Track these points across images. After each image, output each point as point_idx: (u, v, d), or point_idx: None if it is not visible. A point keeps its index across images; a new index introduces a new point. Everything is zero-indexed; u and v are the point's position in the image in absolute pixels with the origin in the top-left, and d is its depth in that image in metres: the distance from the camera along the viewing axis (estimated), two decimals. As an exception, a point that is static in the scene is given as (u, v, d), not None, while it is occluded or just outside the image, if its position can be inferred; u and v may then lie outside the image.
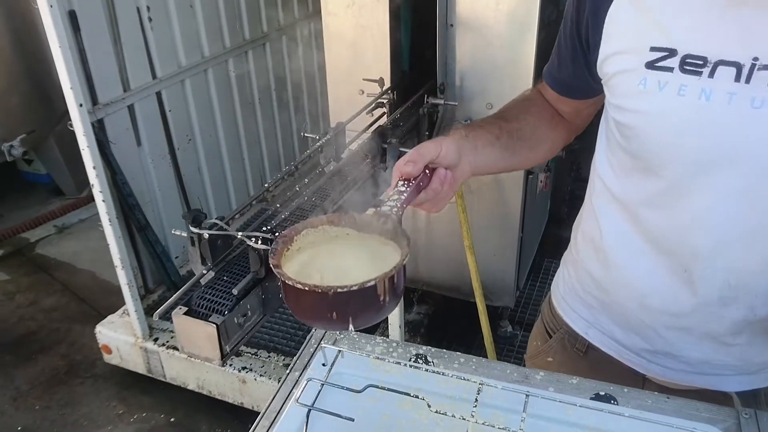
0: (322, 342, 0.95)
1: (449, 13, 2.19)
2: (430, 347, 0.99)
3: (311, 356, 0.95)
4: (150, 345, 2.57)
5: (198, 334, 1.31)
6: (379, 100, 2.16)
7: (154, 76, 2.76)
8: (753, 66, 0.73)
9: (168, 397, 2.67)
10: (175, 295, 1.34)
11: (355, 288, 0.66)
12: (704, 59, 0.76)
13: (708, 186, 0.81)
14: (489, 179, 2.35)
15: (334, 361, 0.88)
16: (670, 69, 0.79)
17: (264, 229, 1.38)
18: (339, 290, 0.66)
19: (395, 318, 2.11)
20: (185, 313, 1.31)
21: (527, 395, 0.78)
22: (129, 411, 2.65)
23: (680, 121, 0.79)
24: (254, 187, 3.43)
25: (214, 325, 1.27)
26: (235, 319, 1.31)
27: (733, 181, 0.78)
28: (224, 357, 1.32)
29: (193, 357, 2.06)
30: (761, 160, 0.76)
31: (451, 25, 2.20)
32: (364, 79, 2.23)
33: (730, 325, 0.91)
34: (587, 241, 1.04)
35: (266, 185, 1.59)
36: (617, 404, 0.86)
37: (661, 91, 0.80)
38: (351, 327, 0.70)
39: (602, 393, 0.88)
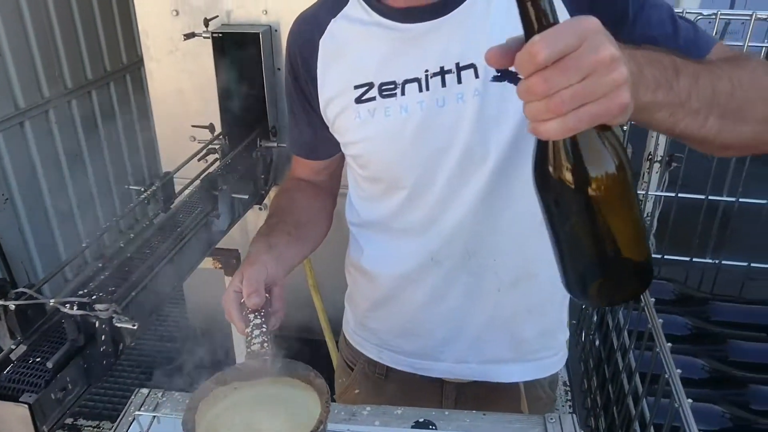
0: (139, 408, 0.90)
1: (275, 58, 2.22)
2: (257, 398, 0.98)
3: (129, 426, 0.89)
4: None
5: (9, 417, 1.18)
6: (211, 147, 2.13)
7: (-43, 132, 2.50)
8: (426, 76, 0.91)
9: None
10: (-24, 378, 1.21)
11: None
12: (394, 83, 0.93)
13: (437, 180, 0.96)
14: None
15: (148, 429, 0.84)
16: (374, 98, 0.94)
17: (80, 293, 1.29)
18: None
19: (244, 367, 2.05)
20: (-9, 396, 1.18)
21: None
22: None
23: (394, 135, 0.94)
24: (90, 250, 3.19)
25: (26, 405, 1.16)
26: (53, 394, 1.20)
27: (451, 168, 0.94)
28: (41, 439, 1.20)
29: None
30: (460, 143, 0.92)
31: (279, 69, 2.23)
32: (193, 126, 2.18)
33: (487, 295, 1.04)
34: (357, 270, 1.14)
35: (84, 245, 1.49)
36: (435, 429, 0.90)
37: (373, 118, 0.95)
38: None
39: (421, 420, 0.91)
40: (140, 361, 2.68)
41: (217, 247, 1.87)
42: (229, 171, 1.93)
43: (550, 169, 0.56)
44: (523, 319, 1.07)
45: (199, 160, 2.07)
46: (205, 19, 2.11)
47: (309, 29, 1.00)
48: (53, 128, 3.00)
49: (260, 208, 2.43)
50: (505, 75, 0.60)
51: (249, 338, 0.83)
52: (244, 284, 0.89)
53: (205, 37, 2.12)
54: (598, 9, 0.69)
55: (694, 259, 1.78)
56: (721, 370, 1.40)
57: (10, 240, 2.77)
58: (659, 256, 1.76)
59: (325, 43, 0.98)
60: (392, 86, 0.93)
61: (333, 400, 0.85)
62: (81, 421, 2.33)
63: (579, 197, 0.56)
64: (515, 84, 0.56)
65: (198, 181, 1.81)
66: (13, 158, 2.76)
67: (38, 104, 2.88)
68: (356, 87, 0.95)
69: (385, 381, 1.18)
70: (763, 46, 1.66)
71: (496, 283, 1.03)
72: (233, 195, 1.88)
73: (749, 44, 1.58)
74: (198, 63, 2.22)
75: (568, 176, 0.55)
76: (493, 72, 0.80)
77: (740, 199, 1.74)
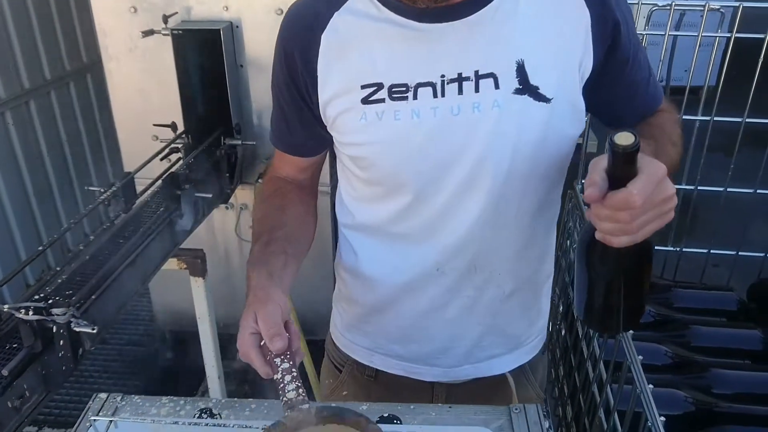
0: (97, 413, 0.88)
1: (238, 55, 2.19)
2: (221, 399, 0.96)
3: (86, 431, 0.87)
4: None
5: (-37, 428, 1.14)
6: (174, 145, 2.10)
7: None
8: (442, 82, 0.86)
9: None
10: (-73, 389, 1.17)
11: None
12: (406, 85, 0.87)
13: (443, 189, 0.92)
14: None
15: (105, 434, 0.82)
16: (383, 100, 0.88)
17: (36, 297, 1.26)
18: None
19: (213, 370, 2.03)
20: (-56, 407, 1.14)
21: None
22: None
23: (403, 141, 0.89)
24: (53, 252, 3.12)
25: (-19, 415, 1.12)
26: (9, 403, 1.17)
27: (460, 179, 0.91)
28: (-2, 449, 1.17)
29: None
30: (473, 154, 0.89)
31: (241, 66, 2.21)
32: (155, 125, 2.14)
33: (489, 306, 1.03)
34: (350, 273, 1.10)
35: (40, 248, 1.45)
36: (401, 423, 0.90)
37: (381, 120, 0.89)
38: None
39: (386, 414, 0.91)
40: (107, 366, 2.63)
41: (181, 247, 1.84)
42: (192, 170, 1.91)
43: (603, 249, 0.75)
44: (517, 320, 1.07)
45: (161, 159, 2.04)
46: (164, 15, 2.08)
47: (307, 23, 0.91)
48: (10, 129, 2.92)
49: (227, 207, 2.40)
50: (526, 90, 0.76)
51: (281, 385, 0.78)
52: (262, 327, 0.82)
53: (164, 35, 2.08)
54: (615, 51, 0.90)
55: (656, 247, 1.81)
56: (684, 356, 1.42)
57: (-32, 246, 2.70)
58: (622, 245, 1.79)
59: (327, 38, 0.90)
60: (404, 89, 0.87)
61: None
62: (46, 429, 2.28)
63: (619, 272, 0.79)
64: (535, 99, 0.86)
65: (160, 181, 1.78)
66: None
67: (-6, 105, 2.80)
68: (363, 87, 0.89)
69: (374, 382, 1.14)
70: (717, 36, 1.69)
71: (499, 295, 1.01)
72: (197, 194, 1.86)
73: (703, 34, 1.61)
74: (158, 61, 2.19)
75: (617, 258, 0.76)
76: (515, 85, 0.86)
77: (699, 187, 1.77)
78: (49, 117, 3.17)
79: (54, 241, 1.47)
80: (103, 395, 0.96)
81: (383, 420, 0.90)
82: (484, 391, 1.11)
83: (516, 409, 0.96)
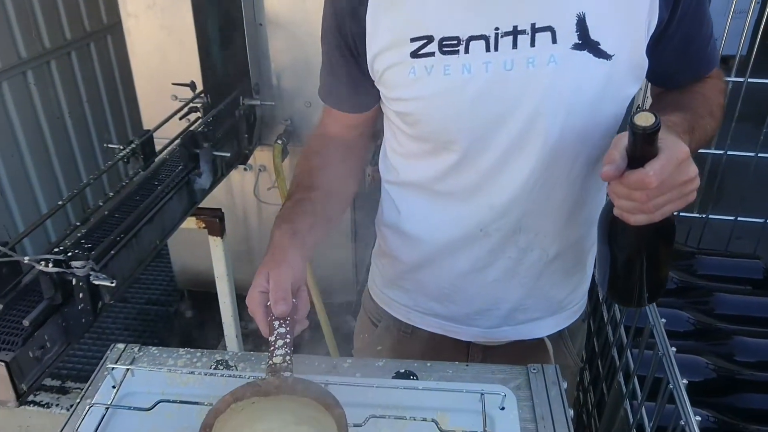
0: (115, 362, 0.88)
1: (257, 13, 2.16)
2: (236, 352, 0.96)
3: (103, 380, 0.88)
4: (-44, 397, 2.27)
5: (-14, 376, 1.16)
6: (192, 105, 2.08)
7: (-68, 93, 2.43)
8: (496, 35, 0.82)
9: (-13, 452, 2.38)
10: (-49, 337, 1.19)
11: None
12: (457, 38, 0.83)
13: (492, 148, 0.89)
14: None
15: (122, 382, 0.82)
16: (432, 54, 0.85)
17: (56, 250, 1.27)
18: None
19: (231, 329, 2.05)
20: (-33, 355, 1.16)
21: (326, 384, 0.78)
22: (-61, 476, 2.33)
23: (453, 97, 0.86)
24: (74, 209, 3.15)
25: (3, 364, 1.14)
26: (31, 353, 1.19)
27: (511, 138, 0.87)
28: (21, 396, 1.19)
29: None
30: (525, 112, 0.85)
31: (261, 24, 2.17)
32: (173, 84, 2.12)
33: (532, 268, 1.01)
34: (391, 230, 1.08)
35: (60, 203, 1.46)
36: (417, 379, 0.89)
37: (429, 75, 0.86)
38: None
39: (402, 371, 0.90)
40: (127, 324, 2.68)
41: (200, 206, 1.83)
42: (211, 129, 1.89)
43: (622, 225, 0.76)
44: (560, 283, 1.05)
45: (180, 118, 2.03)
46: (183, -29, 2.04)
47: None
48: (31, 89, 2.92)
49: (245, 169, 2.40)
50: (586, 45, 0.74)
51: (271, 348, 0.78)
52: (271, 288, 0.82)
53: (183, -8, 2.05)
54: (679, 4, 0.84)
55: (681, 214, 1.76)
56: (706, 323, 1.40)
57: (-9, 203, 2.73)
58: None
59: None
60: (455, 42, 0.84)
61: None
62: (69, 383, 2.33)
63: (638, 248, 0.81)
64: (595, 56, 0.82)
65: (179, 140, 1.77)
66: (-9, 120, 2.70)
67: (15, 65, 2.80)
68: (413, 40, 0.85)
69: (410, 339, 1.13)
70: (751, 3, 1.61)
71: (543, 258, 0.99)
72: (215, 153, 1.85)
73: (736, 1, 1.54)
74: (178, 19, 2.15)
75: (636, 235, 0.78)
76: (574, 39, 0.83)
77: (728, 152, 1.72)
78: (69, 77, 3.17)
79: (74, 196, 1.48)
80: (121, 346, 0.97)
81: (399, 375, 0.89)
82: (520, 355, 1.08)
83: (534, 369, 0.94)
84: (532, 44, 0.82)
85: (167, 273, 2.90)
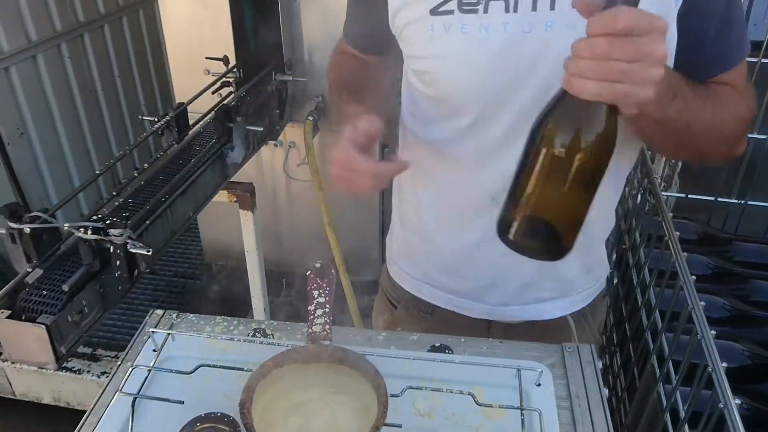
0: (154, 326, 0.90)
1: (291, -13, 2.14)
2: (272, 321, 0.97)
3: (144, 344, 0.89)
4: (-8, 361, 2.34)
5: (27, 338, 1.19)
6: (225, 79, 2.09)
7: (-30, 64, 2.48)
8: None
9: (21, 415, 2.45)
10: (-7, 299, 1.22)
11: None
12: None
13: (507, 112, 0.88)
14: (345, 154, 2.35)
15: (163, 345, 0.84)
16: (451, 12, 0.84)
17: (94, 217, 1.29)
18: None
19: (259, 302, 2.07)
20: (9, 317, 1.19)
21: (363, 354, 0.79)
22: (-25, 436, 2.41)
23: (469, 56, 0.85)
24: (105, 182, 3.20)
25: (44, 326, 1.17)
26: (69, 317, 1.22)
27: (525, 103, 0.86)
28: (59, 359, 1.22)
29: (24, 364, 1.90)
30: (540, 76, 0.84)
31: (295, 0, 2.16)
32: (207, 58, 2.13)
33: None
34: (403, 196, 1.08)
35: (97, 172, 1.48)
36: (452, 353, 0.89)
37: (448, 33, 0.85)
38: None
39: (438, 344, 0.90)
40: (156, 295, 2.72)
41: (232, 180, 1.85)
42: (243, 103, 1.90)
43: (558, 119, 0.63)
44: (573, 264, 1.03)
45: (213, 92, 2.04)
46: (219, -56, 2.04)
47: None
48: (65, 61, 2.96)
49: (275, 145, 2.40)
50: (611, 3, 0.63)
51: (311, 317, 0.79)
52: (361, 122, 0.81)
53: (218, -35, 2.05)
54: None
55: (719, 199, 1.73)
56: (743, 309, 1.37)
57: (26, 174, 2.78)
58: (683, 195, 1.71)
59: None
60: (474, 1, 0.83)
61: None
62: (99, 351, 2.38)
63: (563, 154, 0.63)
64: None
65: (212, 113, 1.78)
66: (27, 92, 2.74)
67: (50, 37, 2.83)
68: None
69: (429, 319, 1.13)
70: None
71: None
72: (248, 127, 1.85)
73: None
74: (212, -8, 2.16)
75: (568, 132, 0.63)
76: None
77: (770, 139, 1.67)
78: (102, 51, 3.20)
79: (110, 167, 1.50)
80: (159, 312, 0.98)
81: (435, 349, 0.89)
82: (542, 335, 1.08)
83: (569, 347, 0.94)
84: (552, 7, 0.81)
85: (195, 246, 2.93)
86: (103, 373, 2.29)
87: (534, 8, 0.81)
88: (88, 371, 2.31)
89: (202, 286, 2.77)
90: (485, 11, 0.83)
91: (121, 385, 0.78)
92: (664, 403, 1.07)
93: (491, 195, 0.95)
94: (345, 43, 1.10)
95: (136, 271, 1.31)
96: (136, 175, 1.53)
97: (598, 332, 1.17)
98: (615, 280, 1.57)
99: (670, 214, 1.20)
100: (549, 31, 0.81)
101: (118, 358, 2.38)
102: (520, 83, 0.85)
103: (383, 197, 2.43)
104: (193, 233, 2.86)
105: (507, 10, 0.82)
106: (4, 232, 1.27)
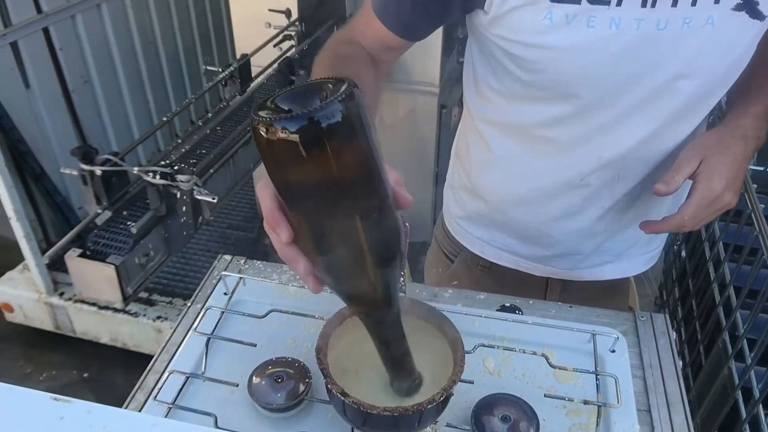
0: (223, 271, 0.90)
1: (356, -61, 2.10)
2: (339, 272, 0.96)
3: (213, 287, 0.90)
4: (55, 300, 2.43)
5: (96, 277, 1.23)
6: (287, 33, 2.07)
7: (39, 10, 2.51)
8: None
9: (79, 353, 2.55)
10: (66, 237, 1.26)
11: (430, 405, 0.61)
12: None
13: (617, 105, 0.82)
14: (404, 113, 2.32)
15: (235, 289, 0.84)
16: (578, 1, 0.75)
17: (162, 163, 1.30)
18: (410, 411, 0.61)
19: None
20: (80, 255, 1.23)
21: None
22: (38, 369, 2.52)
23: (591, 53, 0.77)
24: (162, 132, 3.25)
25: (113, 266, 1.20)
26: (136, 259, 1.25)
27: (642, 97, 0.81)
28: (126, 299, 1.26)
29: (93, 301, 1.97)
30: (666, 74, 0.78)
31: (359, -48, 2.11)
32: (269, 10, 2.11)
33: (619, 214, 0.97)
34: (477, 166, 1.03)
35: (165, 118, 1.49)
36: (521, 314, 0.87)
37: (569, 25, 0.76)
38: None
39: (507, 305, 0.88)
40: (209, 246, 2.77)
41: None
42: (306, 56, 1.88)
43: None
44: (637, 229, 0.99)
45: (275, 45, 2.03)
46: None
47: None
48: (129, 14, 2.98)
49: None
50: (746, 5, 0.63)
51: None
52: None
53: None
54: None
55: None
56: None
57: (89, 121, 2.85)
58: (761, 169, 1.63)
59: None
60: None
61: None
62: (155, 296, 2.45)
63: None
64: (751, 17, 0.74)
65: (275, 65, 1.77)
66: (91, 41, 2.78)
67: (114, -13, 2.86)
68: None
69: (487, 274, 1.11)
70: None
71: (630, 206, 0.95)
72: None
73: None
74: (276, -58, 2.12)
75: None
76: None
77: None
78: (163, 3, 3.22)
79: (183, 109, 1.52)
80: (228, 257, 0.99)
81: (505, 309, 0.87)
82: (601, 291, 1.07)
83: (642, 316, 0.91)
84: (693, 3, 0.73)
85: (249, 199, 2.97)
86: (158, 317, 2.36)
87: (674, 4, 0.73)
88: (144, 314, 2.38)
89: (255, 239, 2.81)
90: (618, 4, 0.74)
91: (196, 325, 0.79)
92: (737, 380, 1.03)
93: (581, 177, 0.91)
94: (364, 22, 0.92)
95: (200, 218, 1.33)
96: (200, 124, 1.54)
97: (656, 285, 1.14)
98: (683, 254, 1.51)
99: (754, 186, 1.14)
100: (685, 29, 0.75)
101: (172, 303, 2.42)
102: (641, 80, 0.79)
103: (438, 159, 2.40)
104: (247, 186, 2.89)
105: (644, 5, 0.74)
106: (75, 173, 1.31)
